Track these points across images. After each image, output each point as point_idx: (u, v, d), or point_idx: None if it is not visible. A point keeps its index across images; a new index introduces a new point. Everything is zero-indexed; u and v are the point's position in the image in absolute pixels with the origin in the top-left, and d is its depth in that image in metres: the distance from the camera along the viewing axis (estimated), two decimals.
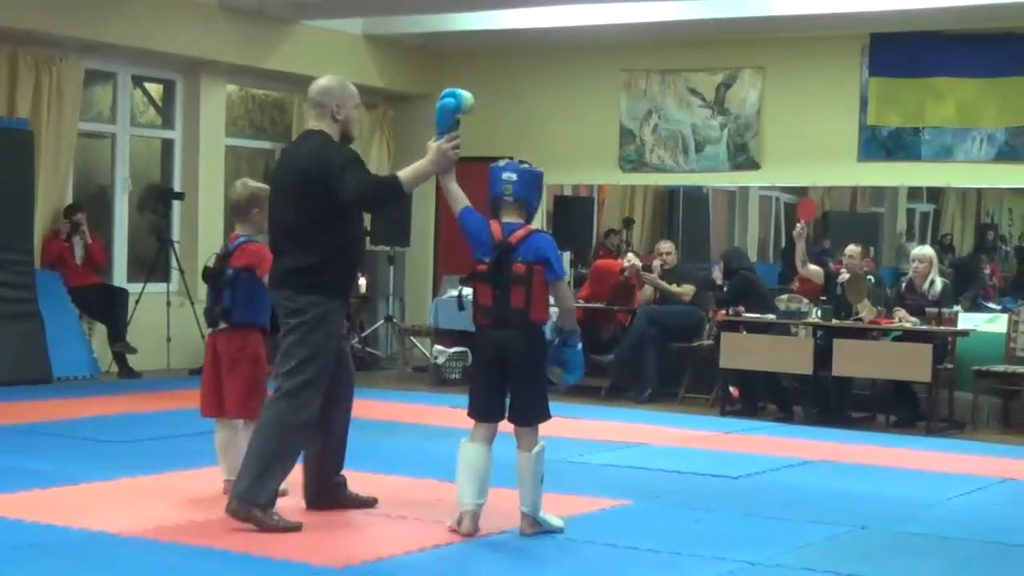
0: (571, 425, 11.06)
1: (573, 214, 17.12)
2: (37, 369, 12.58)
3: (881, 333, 11.95)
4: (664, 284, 13.34)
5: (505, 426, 6.88)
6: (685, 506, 7.66)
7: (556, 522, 6.78)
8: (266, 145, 16.35)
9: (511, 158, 7.59)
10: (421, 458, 8.94)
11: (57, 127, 13.46)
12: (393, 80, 16.69)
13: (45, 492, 7.34)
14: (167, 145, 15.09)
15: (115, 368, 13.51)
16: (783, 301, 12.86)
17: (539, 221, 16.54)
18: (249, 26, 14.78)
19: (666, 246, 13.69)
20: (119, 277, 14.43)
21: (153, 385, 12.69)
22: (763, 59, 15.10)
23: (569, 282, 15.98)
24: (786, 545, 6.70)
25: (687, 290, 13.34)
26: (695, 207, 16.95)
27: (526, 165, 7.05)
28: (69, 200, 13.75)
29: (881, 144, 14.32)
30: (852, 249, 12.17)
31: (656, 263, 13.50)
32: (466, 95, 6.98)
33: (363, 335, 15.47)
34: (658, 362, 13.09)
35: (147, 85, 15.16)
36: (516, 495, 6.75)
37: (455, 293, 14.58)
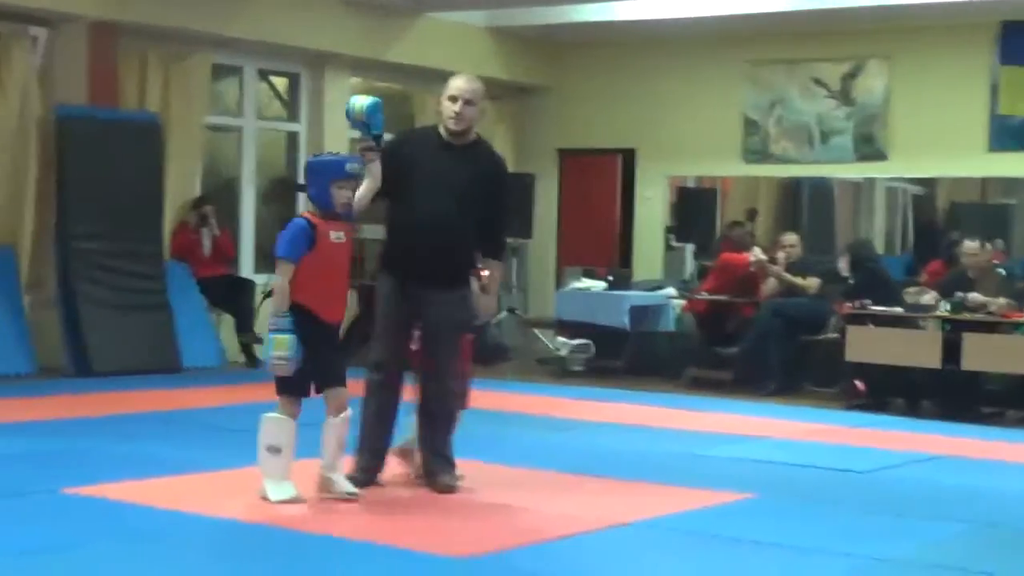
0: (694, 418, 11.04)
1: (696, 206, 17.04)
2: (166, 359, 12.78)
3: (1012, 327, 11.74)
4: (789, 277, 13.24)
5: None
6: (810, 500, 7.59)
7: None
8: (389, 137, 16.39)
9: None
10: (544, 449, 8.95)
11: (186, 121, 13.66)
12: (515, 72, 16.72)
13: (174, 479, 7.45)
14: (292, 138, 15.25)
15: (242, 358, 13.68)
16: (910, 294, 12.67)
17: (662, 212, 16.57)
18: (372, 19, 14.88)
19: (790, 238, 13.58)
20: (246, 268, 14.61)
21: None
22: (889, 48, 14.92)
23: (692, 275, 15.96)
24: (913, 541, 6.62)
25: (812, 283, 13.23)
26: (820, 199, 16.78)
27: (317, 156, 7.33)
28: (197, 192, 13.95)
29: (1012, 134, 14.08)
30: (969, 246, 12.01)
31: (780, 255, 13.39)
32: (351, 101, 7.12)
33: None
34: (783, 355, 12.98)
35: (273, 79, 15.34)
36: (622, 485, 6.71)
37: (578, 285, 14.63)
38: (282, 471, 6.89)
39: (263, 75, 15.11)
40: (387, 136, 7.34)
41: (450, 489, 7.24)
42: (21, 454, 8.14)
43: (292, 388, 6.89)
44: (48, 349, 12.40)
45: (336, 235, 6.90)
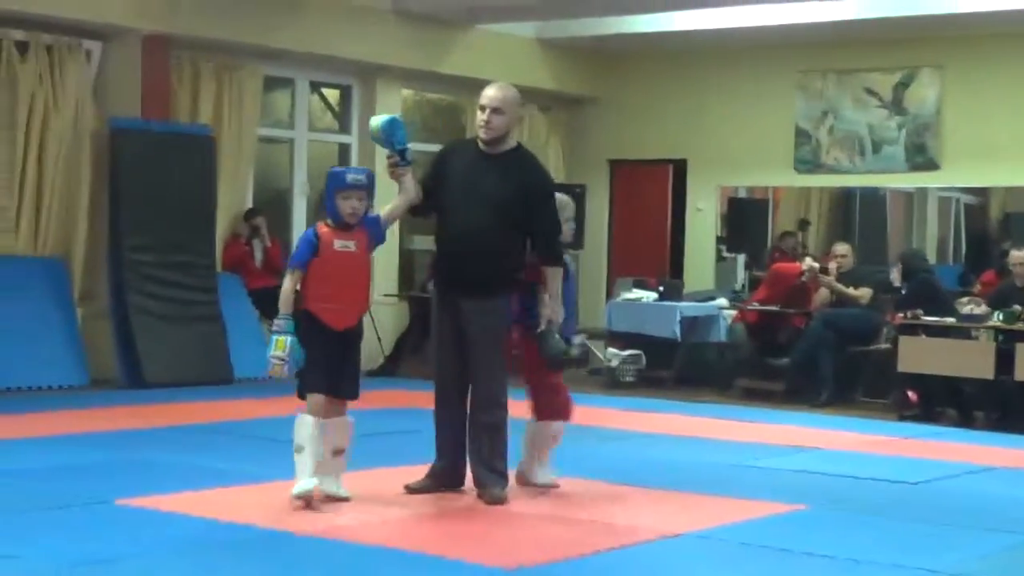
0: (746, 429, 11.00)
1: (747, 217, 16.98)
2: (219, 370, 12.84)
3: None
4: (841, 287, 13.18)
5: None
6: (862, 512, 7.55)
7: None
8: (440, 149, 16.45)
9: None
10: (594, 460, 8.93)
11: (238, 133, 13.74)
12: (566, 83, 16.73)
13: (227, 490, 7.48)
14: (344, 149, 15.31)
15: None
16: (963, 304, 12.60)
17: (713, 223, 16.53)
18: (424, 31, 14.92)
19: (842, 248, 13.52)
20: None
21: None
22: (942, 58, 14.83)
23: (744, 286, 15.91)
24: (966, 553, 6.57)
25: (864, 293, 13.16)
26: (872, 208, 16.68)
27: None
28: (249, 205, 14.03)
29: None
30: (1016, 255, 11.95)
31: (832, 265, 13.34)
32: (370, 121, 7.43)
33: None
34: (834, 365, 12.93)
35: (324, 90, 15.40)
36: (673, 496, 6.69)
37: (629, 296, 14.61)
38: (304, 468, 6.99)
39: (315, 87, 15.18)
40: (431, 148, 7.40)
41: (499, 501, 7.25)
42: (75, 465, 8.20)
43: (309, 387, 7.06)
44: (101, 361, 12.50)
45: (343, 244, 7.07)
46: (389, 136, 7.20)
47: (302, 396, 7.12)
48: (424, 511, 7.08)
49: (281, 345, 6.93)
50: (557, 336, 7.33)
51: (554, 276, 7.43)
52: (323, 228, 7.11)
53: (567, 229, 7.69)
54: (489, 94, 7.40)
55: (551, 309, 7.38)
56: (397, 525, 6.71)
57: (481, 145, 7.46)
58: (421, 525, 6.78)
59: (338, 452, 7.17)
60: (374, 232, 7.21)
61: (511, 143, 7.48)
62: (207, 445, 9.20)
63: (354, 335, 7.23)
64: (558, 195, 7.64)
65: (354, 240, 7.10)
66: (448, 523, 6.91)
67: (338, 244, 7.06)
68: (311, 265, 7.04)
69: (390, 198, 7.46)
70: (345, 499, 7.15)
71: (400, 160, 7.23)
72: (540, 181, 7.49)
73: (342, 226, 7.08)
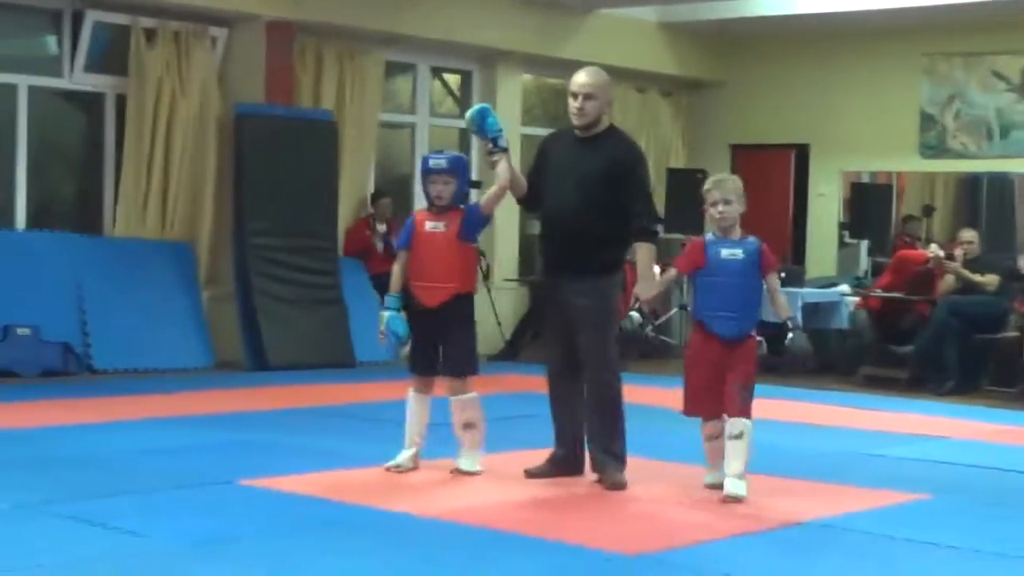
0: (869, 417, 10.89)
1: (871, 202, 16.77)
2: (341, 354, 12.95)
3: None
4: (967, 274, 12.98)
5: None
6: (987, 503, 7.44)
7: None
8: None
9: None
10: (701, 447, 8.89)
11: (359, 118, 13.84)
12: (688, 68, 16.65)
13: (348, 472, 7.55)
14: (464, 134, 15.34)
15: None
16: None
17: (836, 208, 16.35)
18: (545, 16, 14.92)
19: (968, 234, 13.32)
20: None
21: None
22: None
23: (867, 272, 15.72)
24: None
25: (991, 280, 12.95)
26: (999, 194, 16.41)
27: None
28: (371, 190, 14.12)
29: None
30: None
31: (958, 252, 13.14)
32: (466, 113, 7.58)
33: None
34: (960, 354, 12.74)
35: (445, 76, 15.46)
36: (794, 484, 6.62)
37: None
38: (407, 439, 7.59)
39: (436, 72, 15.24)
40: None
41: (617, 486, 7.24)
42: (199, 446, 8.32)
43: (408, 364, 7.67)
44: (225, 343, 12.67)
45: (433, 225, 7.46)
46: (480, 124, 7.37)
47: (410, 371, 7.63)
48: (544, 495, 7.09)
49: (382, 320, 7.53)
50: (634, 315, 7.28)
51: (643, 252, 7.38)
52: (420, 212, 7.59)
53: None
54: (579, 80, 7.47)
55: (640, 286, 7.33)
56: (516, 509, 6.73)
57: (576, 131, 7.49)
58: (540, 510, 6.79)
59: (468, 426, 7.48)
60: (471, 218, 7.48)
61: (604, 124, 7.50)
62: (329, 427, 9.29)
63: (448, 313, 7.44)
64: None
65: (443, 222, 7.44)
66: (567, 508, 6.91)
67: (428, 226, 7.47)
68: (411, 247, 7.49)
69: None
70: (472, 473, 7.40)
71: (494, 147, 7.37)
72: (627, 156, 7.43)
73: (433, 209, 7.47)
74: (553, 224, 7.48)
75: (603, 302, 7.35)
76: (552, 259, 7.52)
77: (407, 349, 7.75)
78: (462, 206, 7.52)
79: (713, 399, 7.16)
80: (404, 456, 7.54)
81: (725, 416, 7.16)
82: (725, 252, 7.15)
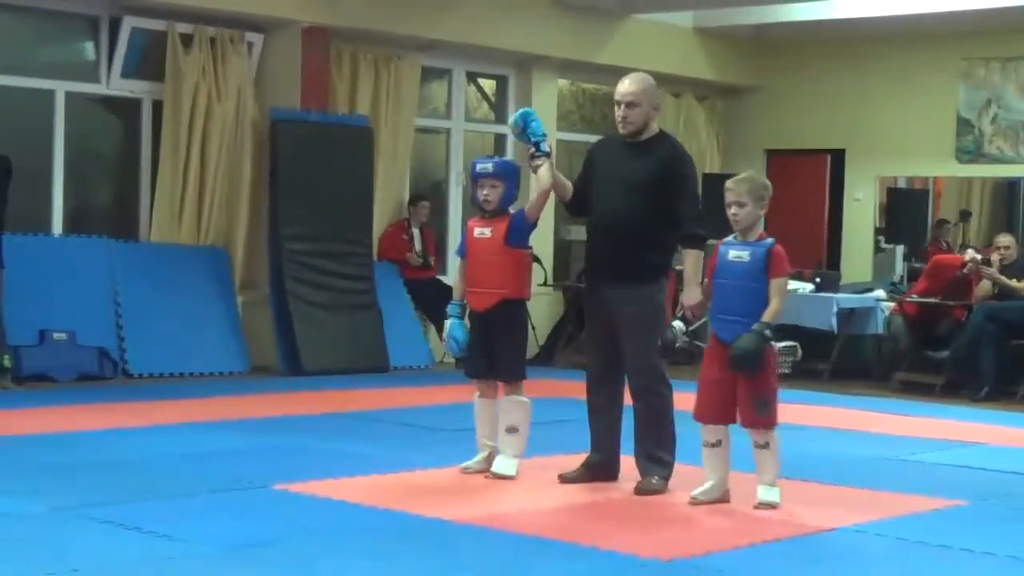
0: (904, 422, 10.85)
1: (907, 207, 16.73)
2: (375, 358, 12.98)
3: None
4: (1004, 279, 12.92)
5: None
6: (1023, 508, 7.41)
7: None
8: (596, 139, 16.44)
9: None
10: (746, 453, 8.85)
11: (395, 123, 13.87)
12: (724, 72, 16.63)
13: (382, 478, 7.56)
14: (500, 139, 15.37)
15: (449, 358, 13.80)
16: None
17: (872, 213, 16.30)
18: (580, 21, 14.92)
19: (1005, 240, 13.26)
20: (452, 269, 14.74)
21: None
22: None
23: (903, 277, 15.64)
24: None
25: None
26: None
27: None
28: (406, 194, 14.16)
29: None
30: None
31: (994, 257, 13.09)
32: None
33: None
34: (996, 359, 12.67)
35: (480, 81, 15.48)
36: (828, 489, 6.60)
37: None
38: (478, 443, 7.69)
39: (471, 77, 15.27)
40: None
41: (653, 490, 7.23)
42: (235, 450, 8.35)
43: (464, 371, 7.78)
44: (261, 348, 12.71)
45: (480, 231, 7.55)
46: (524, 128, 7.40)
47: (472, 376, 7.73)
48: (578, 501, 7.09)
49: (445, 328, 7.62)
50: (676, 324, 7.26)
51: (691, 259, 7.34)
52: (473, 219, 7.65)
53: None
54: (622, 89, 7.43)
55: (687, 293, 7.30)
56: (551, 514, 6.73)
57: (624, 136, 7.48)
58: (575, 515, 6.78)
59: (510, 430, 7.51)
60: (517, 223, 7.52)
61: (653, 130, 7.48)
62: (363, 432, 9.31)
63: (498, 317, 7.48)
64: None
65: (491, 227, 7.50)
66: (602, 513, 6.90)
67: (477, 231, 7.57)
68: (465, 254, 7.61)
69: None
70: (506, 477, 7.44)
71: (536, 151, 7.40)
72: (676, 162, 7.39)
73: (483, 215, 7.56)
74: (601, 229, 7.46)
75: (650, 308, 7.32)
76: (598, 264, 7.48)
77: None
78: (510, 211, 7.54)
79: (717, 405, 7.02)
80: (474, 459, 7.66)
81: (739, 424, 7.05)
82: (732, 254, 7.01)
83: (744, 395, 6.93)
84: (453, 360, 13.47)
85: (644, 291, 7.32)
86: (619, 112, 7.41)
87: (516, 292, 7.54)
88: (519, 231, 7.52)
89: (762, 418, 6.92)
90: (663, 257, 7.43)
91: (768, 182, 7.20)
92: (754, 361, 6.77)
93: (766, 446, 6.97)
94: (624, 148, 7.48)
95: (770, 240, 7.02)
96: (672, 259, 7.51)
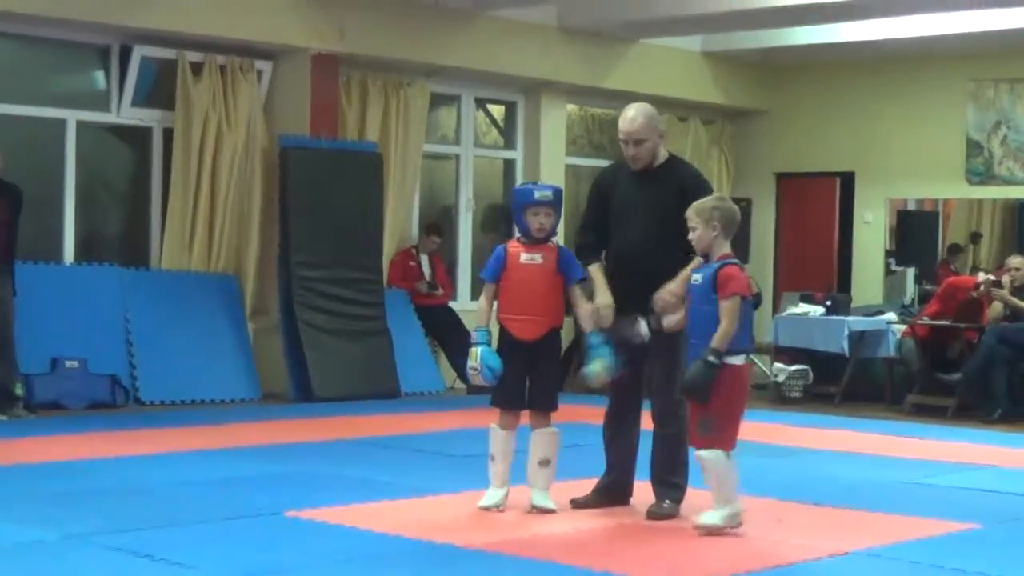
0: (917, 445, 10.82)
1: (917, 229, 16.72)
2: (386, 384, 12.97)
3: None
4: (1016, 301, 12.91)
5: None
6: None
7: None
8: (605, 163, 16.47)
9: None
10: (761, 476, 8.85)
11: (404, 149, 13.90)
12: (732, 96, 16.64)
13: (394, 503, 7.55)
14: (509, 165, 15.40)
15: (460, 384, 13.81)
16: None
17: (882, 236, 16.30)
18: (588, 46, 14.95)
19: (1017, 261, 13.24)
20: (463, 295, 14.78)
21: None
22: None
23: (914, 299, 15.63)
24: None
25: None
26: None
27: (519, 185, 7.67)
28: (415, 220, 14.19)
29: None
30: None
31: (1006, 279, 13.07)
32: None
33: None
34: (1008, 381, 12.66)
35: (489, 107, 15.51)
36: (840, 513, 6.57)
37: (795, 310, 14.46)
38: (495, 478, 7.34)
39: (480, 103, 15.30)
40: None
41: (659, 516, 7.21)
42: (246, 477, 8.35)
43: (495, 400, 7.41)
44: (271, 375, 12.72)
45: (529, 257, 7.29)
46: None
47: (499, 406, 7.39)
48: (589, 525, 7.08)
49: (475, 356, 7.23)
50: (641, 321, 7.23)
51: (693, 263, 7.14)
52: (513, 243, 7.37)
53: None
54: (626, 128, 7.40)
55: (665, 288, 7.14)
56: (563, 540, 6.71)
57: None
58: (586, 540, 6.77)
59: (543, 463, 7.35)
60: (571, 258, 7.37)
61: (662, 157, 7.47)
62: (375, 458, 9.30)
63: (543, 347, 7.34)
64: None
65: (540, 254, 7.30)
66: (614, 538, 6.89)
67: (524, 257, 7.30)
68: (502, 279, 7.30)
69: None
70: (549, 511, 7.27)
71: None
72: (692, 185, 7.35)
73: (531, 241, 7.30)
74: (622, 261, 7.40)
75: (677, 333, 7.26)
76: (621, 294, 7.35)
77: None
78: (553, 241, 7.38)
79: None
80: (500, 495, 7.32)
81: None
82: (694, 277, 6.98)
83: (692, 414, 6.93)
84: (465, 387, 13.58)
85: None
86: (628, 151, 7.40)
87: (560, 320, 7.42)
88: (576, 266, 7.38)
89: (703, 439, 6.85)
90: None
91: (726, 205, 6.97)
92: (701, 391, 6.69)
93: (705, 469, 6.87)
94: (636, 178, 7.44)
95: (724, 262, 6.86)
96: None
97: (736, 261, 6.92)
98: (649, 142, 7.36)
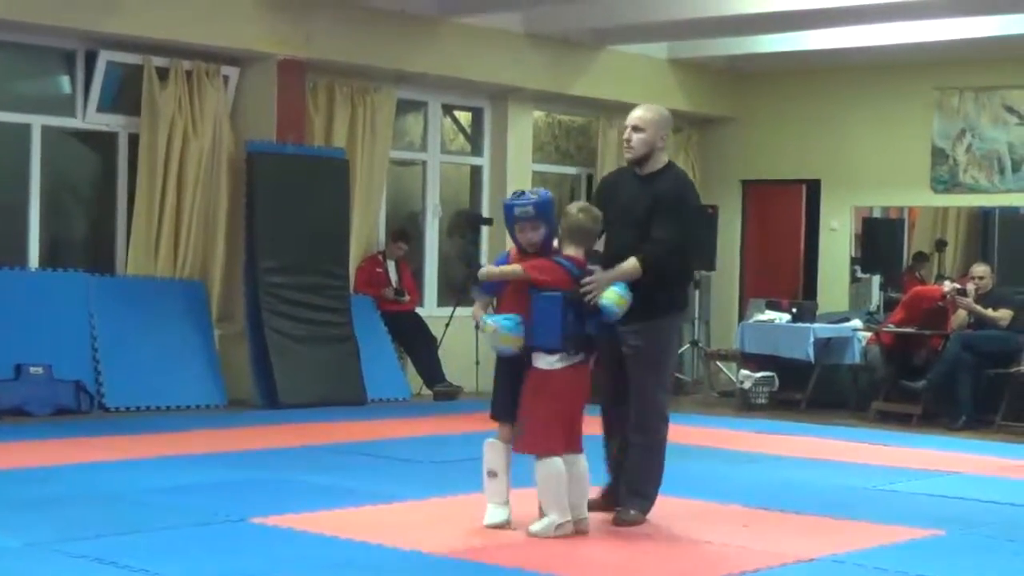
0: (882, 452, 10.86)
1: (882, 237, 16.78)
2: (352, 391, 12.95)
3: None
4: (980, 309, 12.96)
5: None
6: (1002, 538, 7.39)
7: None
8: (572, 170, 16.52)
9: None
10: (727, 483, 8.88)
11: (371, 155, 13.88)
12: (698, 103, 16.68)
13: (359, 510, 7.54)
14: (476, 171, 15.40)
15: (426, 391, 13.79)
16: None
17: (847, 243, 16.36)
18: (555, 53, 14.97)
19: (980, 269, 13.30)
20: (429, 301, 14.78)
21: (464, 407, 12.86)
22: None
23: (879, 307, 15.70)
24: None
25: (1004, 315, 12.92)
26: (1011, 228, 16.39)
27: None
28: (382, 226, 14.17)
29: None
30: None
31: (970, 287, 13.13)
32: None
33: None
34: (973, 388, 12.70)
35: (456, 113, 15.51)
36: (806, 519, 6.59)
37: (761, 317, 14.50)
38: (496, 495, 7.08)
39: (447, 109, 15.29)
40: None
41: (627, 522, 7.21)
42: (211, 484, 8.32)
43: (495, 413, 7.18)
44: (237, 381, 12.68)
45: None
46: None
47: (494, 418, 7.21)
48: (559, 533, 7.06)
49: (488, 325, 6.93)
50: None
51: (626, 264, 7.08)
52: (513, 253, 7.15)
53: None
54: (633, 114, 7.42)
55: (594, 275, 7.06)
56: (530, 547, 6.70)
57: (635, 168, 7.43)
58: (554, 547, 6.75)
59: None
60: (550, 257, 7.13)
61: (660, 162, 7.43)
62: (340, 465, 9.28)
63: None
64: None
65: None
66: (580, 545, 6.87)
67: None
68: (500, 289, 7.10)
69: None
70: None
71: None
72: (671, 191, 7.29)
73: (528, 253, 7.06)
74: (610, 262, 7.26)
75: (657, 343, 7.26)
76: None
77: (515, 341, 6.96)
78: (556, 259, 7.02)
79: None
80: (506, 512, 7.06)
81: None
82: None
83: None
84: (432, 394, 13.58)
85: (653, 325, 7.23)
86: (624, 136, 7.40)
87: None
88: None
89: (515, 438, 6.94)
90: (674, 292, 7.37)
91: (573, 215, 7.03)
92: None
93: (536, 473, 6.89)
94: (632, 181, 7.41)
95: (556, 257, 7.02)
96: (685, 294, 7.47)
97: (563, 260, 6.95)
98: (646, 134, 7.32)
